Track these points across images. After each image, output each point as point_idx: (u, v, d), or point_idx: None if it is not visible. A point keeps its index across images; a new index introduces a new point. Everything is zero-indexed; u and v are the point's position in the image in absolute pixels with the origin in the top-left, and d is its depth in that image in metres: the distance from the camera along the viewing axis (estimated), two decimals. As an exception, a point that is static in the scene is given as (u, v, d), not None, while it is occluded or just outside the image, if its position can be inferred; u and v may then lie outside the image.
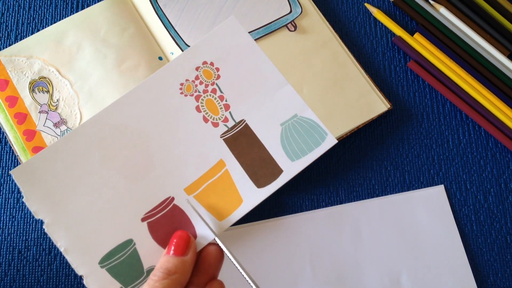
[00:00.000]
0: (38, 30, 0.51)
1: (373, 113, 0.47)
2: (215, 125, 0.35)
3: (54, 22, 0.51)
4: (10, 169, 0.47)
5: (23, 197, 0.33)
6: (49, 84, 0.47)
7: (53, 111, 0.47)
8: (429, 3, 0.51)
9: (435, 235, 0.45)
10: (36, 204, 0.33)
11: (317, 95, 0.47)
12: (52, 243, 0.46)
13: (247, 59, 0.36)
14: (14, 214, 0.46)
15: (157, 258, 0.33)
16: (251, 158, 0.35)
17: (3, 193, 0.47)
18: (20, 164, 0.47)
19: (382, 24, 0.52)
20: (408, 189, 0.47)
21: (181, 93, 0.35)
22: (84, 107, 0.47)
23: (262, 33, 0.49)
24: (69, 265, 0.45)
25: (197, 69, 0.35)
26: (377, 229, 0.45)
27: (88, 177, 0.33)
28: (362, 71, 0.49)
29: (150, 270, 0.32)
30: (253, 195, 0.34)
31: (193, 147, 0.34)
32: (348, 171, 0.48)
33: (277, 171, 0.35)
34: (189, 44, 0.49)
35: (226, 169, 0.35)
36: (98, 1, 0.51)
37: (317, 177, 0.48)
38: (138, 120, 0.34)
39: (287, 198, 0.47)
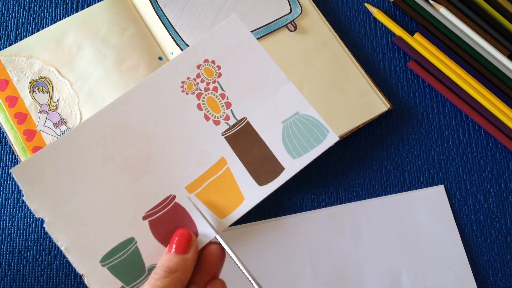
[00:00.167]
0: (38, 30, 0.51)
1: (373, 113, 0.47)
2: (217, 123, 0.35)
3: (54, 22, 0.51)
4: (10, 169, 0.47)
5: (23, 196, 0.33)
6: (49, 84, 0.47)
7: (53, 111, 0.47)
8: (429, 3, 0.51)
9: (435, 235, 0.45)
10: (36, 202, 0.32)
11: (317, 95, 0.47)
12: (52, 243, 0.46)
13: (249, 57, 0.36)
14: (14, 214, 0.46)
15: (159, 257, 0.32)
16: (253, 156, 0.35)
17: (3, 193, 0.47)
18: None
19: (382, 24, 0.52)
20: (408, 189, 0.47)
21: (182, 91, 0.35)
22: (84, 107, 0.47)
23: (262, 33, 0.49)
24: (69, 265, 0.45)
25: (198, 67, 0.35)
26: (377, 229, 0.45)
27: (89, 175, 0.33)
28: (362, 71, 0.49)
29: (151, 269, 0.32)
30: (254, 193, 0.34)
31: (194, 145, 0.34)
32: (348, 171, 0.48)
33: (279, 169, 0.35)
34: (189, 44, 0.49)
35: (228, 167, 0.35)
36: (98, 1, 0.51)
37: (317, 177, 0.48)
38: (139, 118, 0.34)
39: (287, 198, 0.47)
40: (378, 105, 0.48)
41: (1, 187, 0.47)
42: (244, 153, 0.35)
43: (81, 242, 0.32)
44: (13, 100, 0.47)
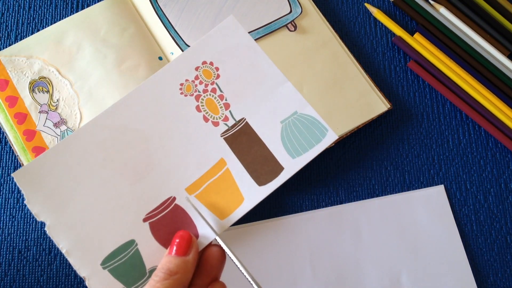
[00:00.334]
0: (38, 30, 0.51)
1: (373, 113, 0.47)
2: (216, 124, 0.35)
3: (54, 22, 0.51)
4: (10, 169, 0.47)
5: (24, 200, 0.33)
6: (49, 84, 0.47)
7: (53, 111, 0.47)
8: (429, 3, 0.51)
9: (435, 235, 0.45)
10: (37, 206, 0.32)
11: (317, 95, 0.47)
12: (52, 243, 0.46)
13: (246, 57, 0.36)
14: (14, 214, 0.46)
15: (159, 259, 0.33)
16: (252, 156, 0.35)
17: (3, 193, 0.47)
18: (21, 165, 0.47)
19: (382, 24, 0.52)
20: (408, 189, 0.47)
21: (181, 93, 0.35)
22: (84, 107, 0.47)
23: (262, 33, 0.49)
24: (69, 265, 0.45)
25: (196, 69, 0.35)
26: (377, 229, 0.45)
27: (90, 178, 0.33)
28: (362, 71, 0.49)
29: (152, 271, 0.32)
30: (254, 193, 0.34)
31: (193, 146, 0.35)
32: (348, 171, 0.48)
33: (278, 169, 0.35)
34: (189, 44, 0.49)
35: (227, 168, 0.35)
36: (98, 1, 0.51)
37: (317, 177, 0.48)
38: (138, 121, 0.34)
39: (287, 198, 0.47)
40: (378, 105, 0.48)
41: (1, 187, 0.47)
42: (244, 154, 0.35)
43: (82, 245, 0.32)
44: (13, 100, 0.47)
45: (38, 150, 0.46)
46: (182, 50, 0.49)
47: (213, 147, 0.35)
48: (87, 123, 0.34)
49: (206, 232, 0.33)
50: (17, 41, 0.50)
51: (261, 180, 0.35)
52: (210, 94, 0.35)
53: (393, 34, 0.51)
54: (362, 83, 0.48)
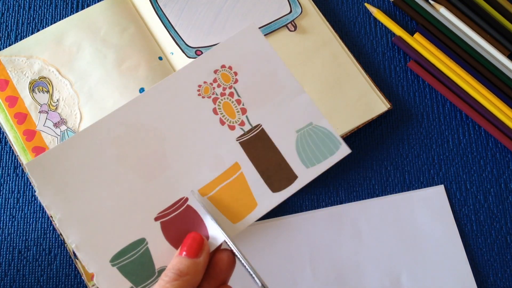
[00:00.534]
0: (38, 30, 0.51)
1: (373, 113, 0.47)
2: (232, 128, 0.35)
3: (54, 22, 0.51)
4: (10, 169, 0.47)
5: (35, 191, 0.32)
6: (49, 84, 0.47)
7: (53, 111, 0.47)
8: (429, 3, 0.51)
9: (435, 235, 0.45)
10: (48, 198, 0.32)
11: (317, 95, 0.47)
12: (52, 243, 0.46)
13: (265, 65, 0.36)
14: (14, 214, 0.46)
15: (169, 259, 0.32)
16: (267, 163, 0.35)
17: (3, 193, 0.47)
18: (21, 165, 0.47)
19: (382, 24, 0.52)
20: (408, 189, 0.47)
21: (199, 94, 0.35)
22: (84, 107, 0.47)
23: (262, 33, 0.49)
24: (69, 265, 0.45)
25: (215, 72, 0.35)
26: (377, 229, 0.45)
27: (103, 174, 0.33)
28: (362, 71, 0.49)
29: (161, 270, 0.32)
30: (267, 199, 0.34)
31: (208, 148, 0.35)
32: (348, 171, 0.48)
33: (292, 177, 0.35)
34: (189, 44, 0.49)
35: (241, 172, 0.35)
36: (98, 1, 0.51)
37: (317, 177, 0.47)
38: (154, 119, 0.34)
39: (287, 198, 0.47)
40: (378, 105, 0.48)
41: (1, 187, 0.47)
42: (258, 159, 0.35)
43: (92, 241, 0.32)
44: (13, 100, 0.47)
45: (38, 150, 0.46)
46: (182, 50, 0.49)
47: (228, 151, 0.35)
48: (102, 118, 0.33)
49: (216, 234, 0.33)
50: (17, 41, 0.50)
51: (275, 186, 0.35)
52: (227, 98, 0.35)
53: (393, 34, 0.51)
54: (362, 83, 0.48)
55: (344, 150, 0.36)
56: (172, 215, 0.33)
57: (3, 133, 0.48)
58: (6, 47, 0.50)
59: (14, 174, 0.47)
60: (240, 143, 0.35)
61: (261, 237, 0.45)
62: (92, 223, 0.32)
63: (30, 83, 0.47)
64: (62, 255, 0.45)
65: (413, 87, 0.50)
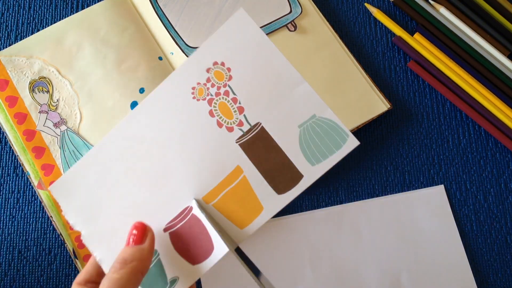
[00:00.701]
0: (38, 30, 0.51)
1: (373, 113, 0.47)
2: (230, 129, 0.33)
3: (54, 22, 0.51)
4: (10, 169, 0.47)
5: (62, 211, 0.34)
6: (49, 84, 0.47)
7: (53, 111, 0.47)
8: (429, 3, 0.51)
9: (435, 235, 0.45)
10: (73, 217, 0.33)
11: (317, 95, 0.47)
12: (52, 243, 0.46)
13: (260, 56, 0.33)
14: (14, 214, 0.46)
15: (179, 268, 0.32)
16: (269, 163, 0.33)
17: (3, 193, 0.47)
18: (21, 165, 0.47)
19: (382, 24, 0.52)
20: (408, 189, 0.47)
21: (193, 97, 0.34)
22: (84, 107, 0.47)
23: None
24: (69, 265, 0.45)
25: (208, 70, 0.34)
26: (377, 229, 0.45)
27: (116, 188, 0.33)
28: (362, 71, 0.49)
29: (173, 281, 0.32)
30: (273, 202, 0.33)
31: (209, 154, 0.33)
32: (348, 171, 0.48)
33: (297, 176, 0.33)
34: (189, 44, 0.49)
35: (244, 176, 0.33)
36: (98, 1, 0.51)
37: (317, 177, 0.47)
38: (153, 129, 0.34)
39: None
40: (378, 105, 0.48)
41: (1, 187, 0.47)
42: (260, 161, 0.33)
43: (112, 254, 0.32)
44: (13, 100, 0.47)
45: (38, 150, 0.46)
46: (182, 50, 0.49)
47: (228, 154, 0.33)
48: (107, 135, 0.34)
49: (221, 243, 0.32)
50: (17, 41, 0.50)
51: (280, 188, 0.33)
52: (223, 98, 0.34)
53: (393, 34, 0.51)
54: (362, 83, 0.48)
55: (352, 143, 0.33)
56: (179, 225, 0.33)
57: (3, 133, 0.48)
58: (6, 47, 0.50)
59: (14, 174, 0.47)
60: (239, 145, 0.33)
61: (261, 237, 0.45)
62: (111, 237, 0.33)
63: (30, 83, 0.47)
64: (62, 255, 0.45)
65: (413, 87, 0.50)
